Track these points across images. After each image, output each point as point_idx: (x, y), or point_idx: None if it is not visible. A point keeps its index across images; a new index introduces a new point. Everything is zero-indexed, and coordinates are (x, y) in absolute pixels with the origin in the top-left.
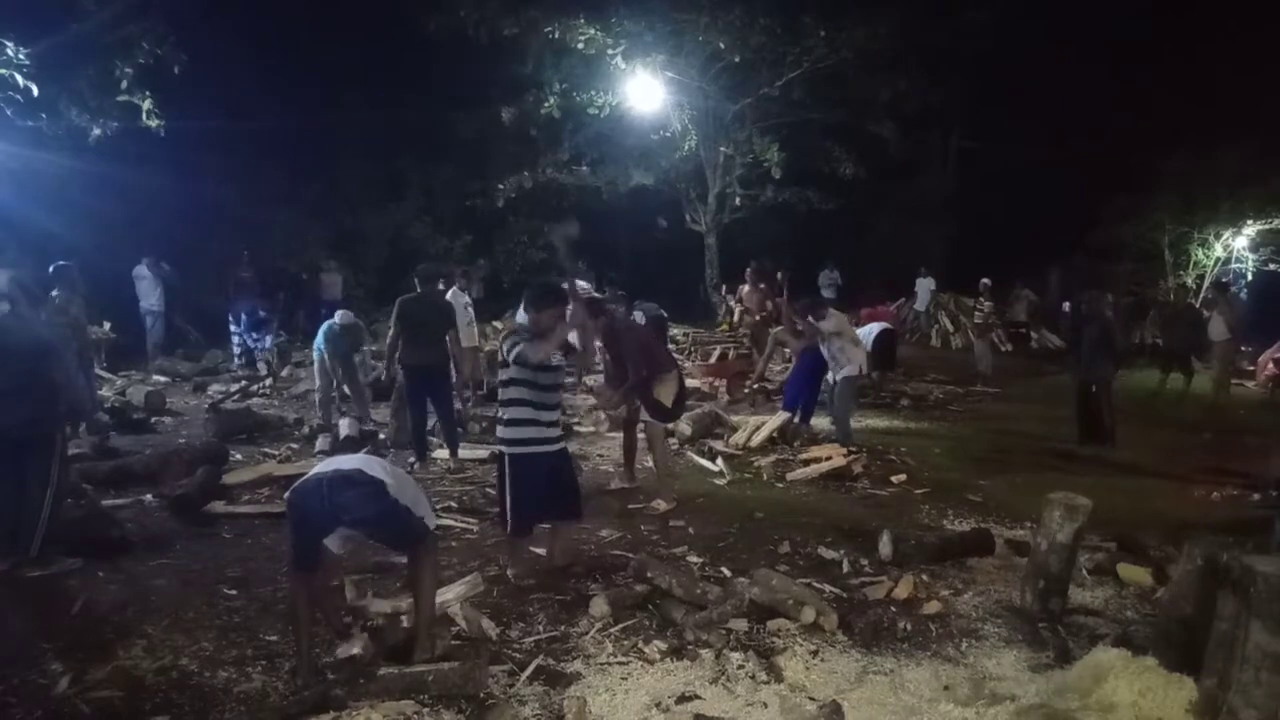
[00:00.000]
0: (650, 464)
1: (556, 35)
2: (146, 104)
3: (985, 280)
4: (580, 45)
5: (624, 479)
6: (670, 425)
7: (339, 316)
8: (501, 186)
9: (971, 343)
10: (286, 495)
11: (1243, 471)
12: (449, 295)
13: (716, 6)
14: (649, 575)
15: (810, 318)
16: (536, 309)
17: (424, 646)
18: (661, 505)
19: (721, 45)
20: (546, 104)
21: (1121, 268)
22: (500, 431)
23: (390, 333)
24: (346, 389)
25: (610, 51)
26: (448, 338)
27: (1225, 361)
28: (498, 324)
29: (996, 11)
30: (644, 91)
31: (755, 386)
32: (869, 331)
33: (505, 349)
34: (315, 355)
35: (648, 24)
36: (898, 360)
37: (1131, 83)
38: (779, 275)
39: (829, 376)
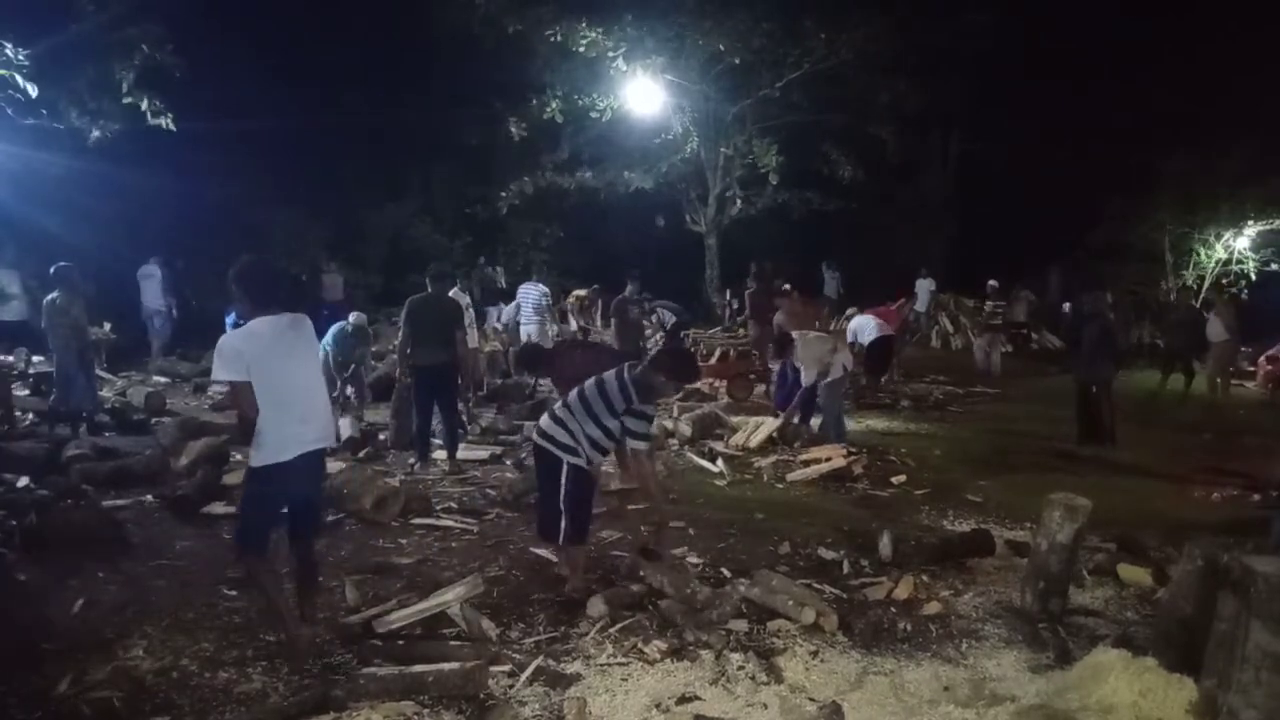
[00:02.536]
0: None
1: (559, 38)
2: (145, 103)
3: (992, 282)
4: (581, 49)
5: (624, 479)
6: (666, 425)
7: (353, 318)
8: (504, 194)
9: (972, 342)
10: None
11: (1243, 471)
12: (450, 295)
13: (719, 10)
14: (641, 574)
15: (782, 355)
16: (668, 375)
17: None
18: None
19: (722, 47)
20: (549, 108)
21: (1122, 268)
22: (565, 439)
23: (401, 333)
24: (350, 391)
25: (611, 54)
26: (456, 338)
27: (1222, 361)
28: (497, 325)
29: (996, 13)
30: (644, 95)
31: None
32: (866, 325)
33: (641, 412)
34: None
35: (649, 28)
36: (895, 363)
37: (1131, 83)
38: (775, 281)
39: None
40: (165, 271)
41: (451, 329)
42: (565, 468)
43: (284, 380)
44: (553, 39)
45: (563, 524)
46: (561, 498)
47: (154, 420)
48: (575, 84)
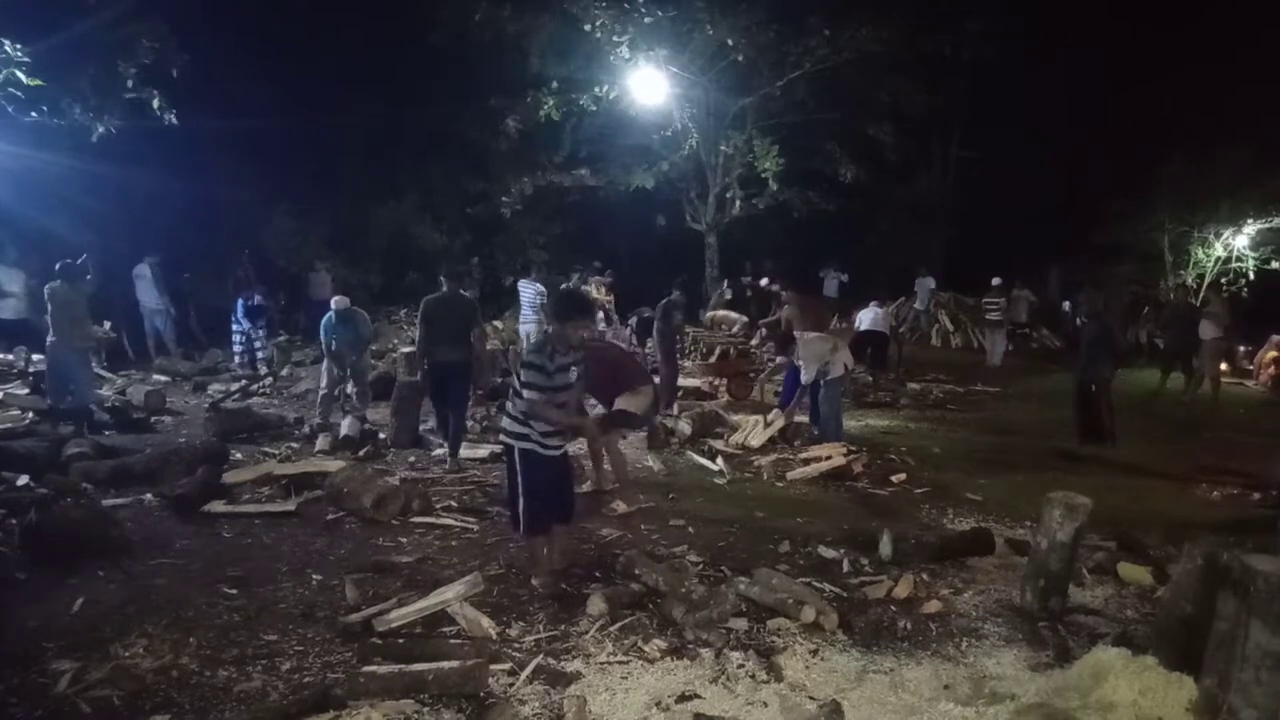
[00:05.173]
0: (649, 463)
1: (574, 12)
2: (156, 101)
3: (995, 280)
4: (589, 28)
5: (595, 483)
6: (668, 424)
7: (334, 303)
8: (505, 198)
9: (972, 341)
10: None
11: (1243, 471)
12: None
13: (728, 5)
14: (636, 571)
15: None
16: (561, 320)
17: None
18: (621, 507)
19: (729, 41)
20: (545, 105)
21: (1122, 268)
22: (512, 426)
23: (419, 333)
24: (351, 385)
25: (616, 39)
26: (472, 336)
27: (1214, 359)
28: (498, 324)
29: (997, 13)
30: (647, 85)
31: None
32: (866, 316)
33: (526, 362)
34: (325, 350)
35: (657, 10)
36: (893, 361)
37: (1131, 83)
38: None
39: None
40: (158, 271)
41: (467, 327)
42: (516, 454)
43: None
44: (566, 11)
45: (519, 513)
46: (518, 486)
47: (154, 419)
48: (575, 76)
